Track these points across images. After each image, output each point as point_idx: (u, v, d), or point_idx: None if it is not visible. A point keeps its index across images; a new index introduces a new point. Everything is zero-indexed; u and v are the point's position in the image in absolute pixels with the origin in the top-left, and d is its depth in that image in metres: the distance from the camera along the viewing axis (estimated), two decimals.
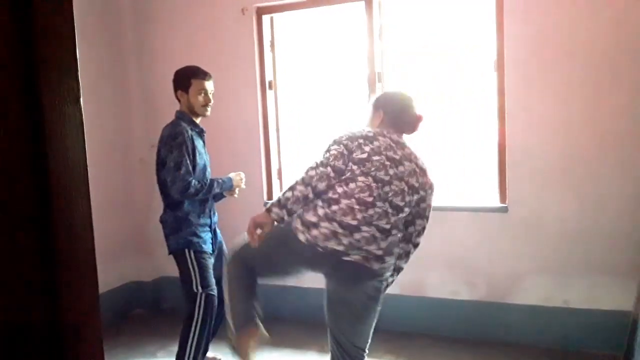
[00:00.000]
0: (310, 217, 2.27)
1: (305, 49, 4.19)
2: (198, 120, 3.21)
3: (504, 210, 3.54)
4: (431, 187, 2.42)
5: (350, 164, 2.30)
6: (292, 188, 2.26)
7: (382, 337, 3.60)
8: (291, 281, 4.13)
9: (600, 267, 3.35)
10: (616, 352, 3.21)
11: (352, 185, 2.27)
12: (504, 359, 3.37)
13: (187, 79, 3.13)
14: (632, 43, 3.16)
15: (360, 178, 2.27)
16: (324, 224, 2.25)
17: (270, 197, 4.20)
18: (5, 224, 0.77)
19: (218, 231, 3.36)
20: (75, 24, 0.85)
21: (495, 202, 3.61)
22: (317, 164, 2.29)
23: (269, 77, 4.15)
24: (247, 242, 2.38)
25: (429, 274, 3.71)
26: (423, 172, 2.40)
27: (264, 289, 4.23)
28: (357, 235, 2.24)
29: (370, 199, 2.26)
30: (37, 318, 0.82)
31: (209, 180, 3.14)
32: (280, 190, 4.26)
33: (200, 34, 4.24)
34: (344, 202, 2.25)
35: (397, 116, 2.48)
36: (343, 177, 2.29)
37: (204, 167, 3.17)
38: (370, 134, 2.37)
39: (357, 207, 2.25)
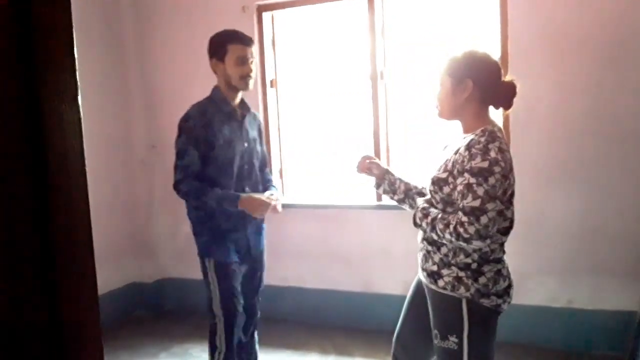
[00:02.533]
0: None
1: (306, 47, 4.17)
2: (238, 96, 2.71)
3: None
4: None
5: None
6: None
7: (386, 339, 3.57)
8: (292, 282, 4.13)
9: (605, 267, 3.32)
10: (621, 353, 3.18)
11: None
12: (508, 359, 3.35)
13: (222, 44, 2.61)
14: (638, 37, 3.13)
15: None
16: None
17: None
18: (3, 224, 0.77)
19: (263, 234, 2.85)
20: (76, 22, 0.84)
21: None
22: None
23: (270, 75, 4.12)
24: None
25: None
26: None
27: (264, 288, 4.22)
28: None
29: None
30: (36, 319, 0.81)
31: (209, 187, 2.57)
32: (283, 191, 4.24)
33: (201, 32, 4.18)
34: None
35: (492, 87, 1.97)
36: None
37: (232, 158, 2.62)
38: (510, 157, 1.93)
39: None
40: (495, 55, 2.06)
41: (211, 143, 2.58)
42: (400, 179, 2.31)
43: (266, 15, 4.07)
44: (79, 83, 0.84)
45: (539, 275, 3.48)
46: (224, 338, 2.63)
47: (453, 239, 1.87)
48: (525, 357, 3.39)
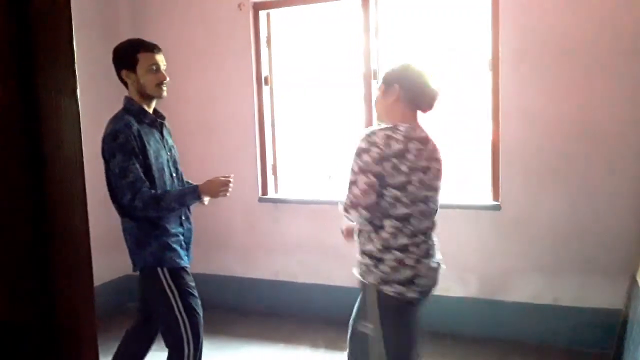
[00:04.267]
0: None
1: (301, 45, 4.20)
2: (152, 105, 2.63)
3: (497, 208, 3.56)
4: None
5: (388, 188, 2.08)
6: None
7: None
8: (284, 276, 4.17)
9: (591, 265, 3.38)
10: (605, 350, 3.23)
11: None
12: (495, 355, 3.40)
13: (131, 54, 2.56)
14: (626, 44, 3.18)
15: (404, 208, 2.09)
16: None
17: (265, 193, 4.22)
18: None
19: (191, 247, 2.72)
20: (73, 16, 0.84)
21: (488, 200, 3.64)
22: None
23: (264, 72, 4.15)
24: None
25: None
26: (440, 168, 2.21)
27: (256, 283, 4.26)
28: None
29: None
30: (32, 317, 0.81)
31: (161, 192, 2.48)
32: (276, 187, 4.28)
33: (197, 29, 4.24)
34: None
35: (415, 91, 2.19)
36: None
37: (162, 169, 2.56)
38: (401, 147, 2.05)
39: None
40: (424, 66, 2.25)
41: (144, 155, 2.48)
42: None
43: (262, 14, 4.10)
44: (79, 80, 0.84)
45: (526, 273, 3.54)
46: (192, 341, 2.53)
47: (345, 213, 2.12)
48: (511, 354, 3.44)
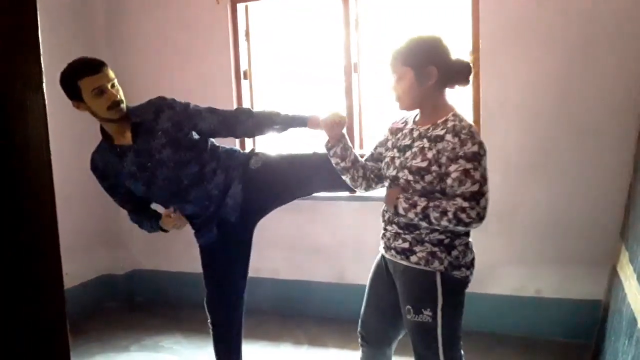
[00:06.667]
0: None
1: (280, 39, 4.15)
2: (118, 122, 2.40)
3: None
4: None
5: None
6: None
7: None
8: (266, 273, 4.13)
9: (572, 257, 3.40)
10: (587, 341, 3.26)
11: None
12: (478, 348, 3.41)
13: (72, 84, 2.27)
14: (607, 36, 3.20)
15: None
16: None
17: None
18: None
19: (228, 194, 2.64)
20: (45, 10, 0.83)
21: None
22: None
23: (243, 66, 4.10)
24: None
25: None
26: None
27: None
28: None
29: None
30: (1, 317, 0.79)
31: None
32: None
33: (174, 23, 4.17)
34: None
35: (451, 68, 2.02)
36: None
37: (146, 191, 2.53)
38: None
39: None
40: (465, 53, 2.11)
41: (117, 184, 2.56)
42: (351, 147, 2.34)
43: (240, 7, 4.05)
44: (49, 74, 0.83)
45: (508, 266, 3.55)
46: (208, 312, 2.80)
47: (451, 225, 1.93)
48: (494, 346, 3.45)
